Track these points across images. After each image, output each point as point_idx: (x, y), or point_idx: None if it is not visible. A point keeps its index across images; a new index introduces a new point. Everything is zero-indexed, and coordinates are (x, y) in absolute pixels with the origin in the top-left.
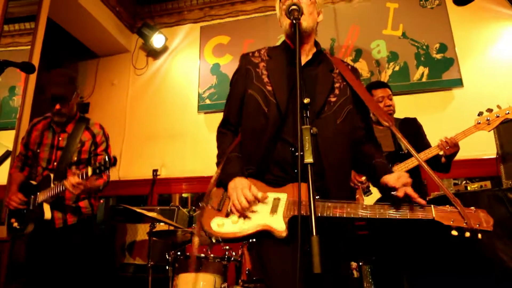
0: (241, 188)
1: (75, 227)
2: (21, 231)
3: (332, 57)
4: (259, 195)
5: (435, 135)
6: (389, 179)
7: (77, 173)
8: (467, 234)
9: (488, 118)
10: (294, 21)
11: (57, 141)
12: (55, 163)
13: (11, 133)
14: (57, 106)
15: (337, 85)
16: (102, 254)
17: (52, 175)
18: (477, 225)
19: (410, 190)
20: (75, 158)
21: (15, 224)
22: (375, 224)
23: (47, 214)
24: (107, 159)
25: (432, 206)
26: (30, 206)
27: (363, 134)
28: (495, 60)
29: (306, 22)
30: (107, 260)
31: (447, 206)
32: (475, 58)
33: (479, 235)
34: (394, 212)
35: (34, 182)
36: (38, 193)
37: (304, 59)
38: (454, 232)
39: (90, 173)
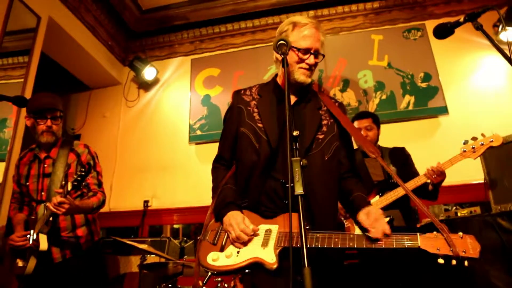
0: (236, 224)
1: (74, 261)
2: (25, 269)
3: (320, 93)
4: (251, 227)
5: (423, 161)
6: (361, 219)
7: (58, 192)
8: (453, 262)
9: (473, 146)
10: (282, 55)
11: (43, 169)
12: (42, 193)
13: (1, 165)
14: (48, 122)
15: (324, 122)
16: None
17: (45, 205)
18: (463, 252)
19: (385, 229)
20: (63, 183)
21: (20, 263)
22: (366, 253)
23: (43, 245)
24: (84, 169)
25: (418, 234)
26: (30, 241)
27: (346, 170)
28: (477, 87)
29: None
30: None
31: (434, 232)
32: (458, 86)
33: (466, 263)
34: (380, 242)
35: (33, 217)
36: (35, 226)
37: (292, 99)
38: (440, 261)
39: (69, 187)
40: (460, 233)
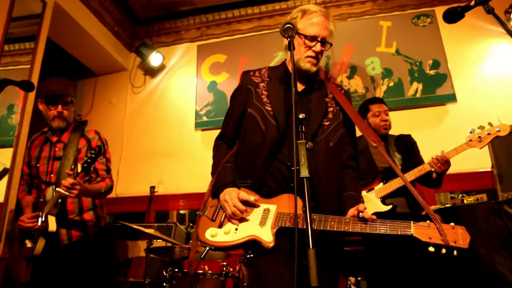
0: (230, 199)
1: (80, 244)
2: (33, 250)
3: (327, 81)
4: (251, 198)
5: (430, 149)
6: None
7: (68, 174)
8: (443, 250)
9: (480, 136)
10: (288, 39)
11: (53, 152)
12: (52, 175)
13: (9, 151)
14: (59, 108)
15: (330, 109)
16: (100, 271)
17: (54, 187)
18: (454, 242)
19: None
20: (73, 167)
21: (29, 244)
22: (371, 239)
23: (51, 226)
24: (94, 152)
25: (411, 222)
26: (38, 222)
27: (347, 157)
28: (487, 75)
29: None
30: (105, 277)
31: (427, 221)
32: (467, 74)
33: (455, 252)
34: (375, 227)
35: (41, 200)
36: (44, 207)
37: (300, 86)
38: (431, 249)
39: (79, 169)
40: (452, 224)
